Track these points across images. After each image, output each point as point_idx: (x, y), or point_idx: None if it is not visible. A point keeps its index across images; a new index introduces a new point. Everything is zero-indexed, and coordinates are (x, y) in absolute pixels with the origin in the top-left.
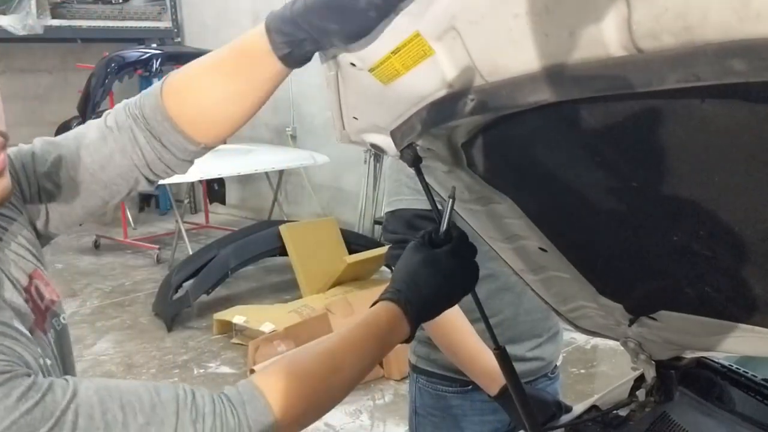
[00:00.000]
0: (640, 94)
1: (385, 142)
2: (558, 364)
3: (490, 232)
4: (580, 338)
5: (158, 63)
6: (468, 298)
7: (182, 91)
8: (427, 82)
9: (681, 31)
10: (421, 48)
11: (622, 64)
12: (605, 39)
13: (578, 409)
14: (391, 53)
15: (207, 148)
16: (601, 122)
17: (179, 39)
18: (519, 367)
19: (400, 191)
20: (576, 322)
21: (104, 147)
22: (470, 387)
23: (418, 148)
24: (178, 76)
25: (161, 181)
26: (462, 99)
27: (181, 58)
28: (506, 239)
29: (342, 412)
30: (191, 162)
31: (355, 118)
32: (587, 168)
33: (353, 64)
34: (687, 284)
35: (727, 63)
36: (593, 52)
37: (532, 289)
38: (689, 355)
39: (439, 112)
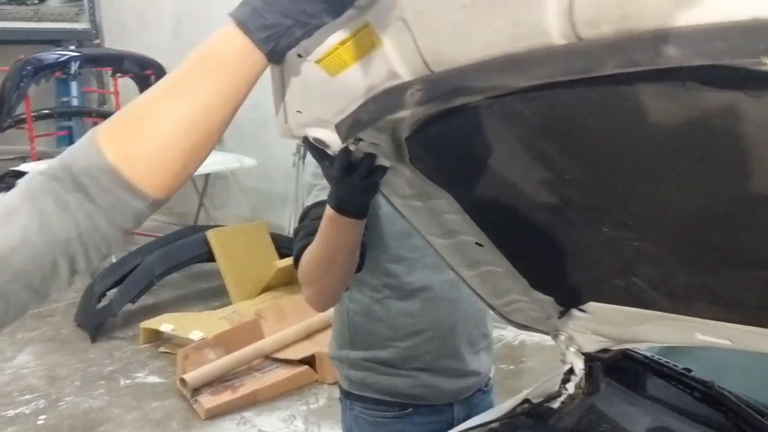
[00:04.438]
0: (576, 85)
1: (329, 136)
2: (491, 375)
3: (429, 228)
4: (508, 335)
5: (77, 65)
6: (404, 311)
7: (128, 128)
8: (374, 73)
9: (619, 19)
10: (369, 39)
11: (564, 52)
12: (548, 28)
13: (510, 403)
14: (339, 44)
15: (156, 205)
16: (537, 116)
17: (98, 41)
18: (458, 384)
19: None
20: (509, 316)
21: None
22: (410, 409)
23: (362, 142)
24: (120, 112)
25: None
26: (409, 89)
27: (101, 60)
28: (444, 235)
29: (276, 417)
30: (130, 231)
31: (298, 111)
32: (524, 162)
33: (300, 56)
34: (615, 275)
35: (662, 49)
36: (536, 41)
37: (468, 285)
38: (615, 347)
39: (386, 102)
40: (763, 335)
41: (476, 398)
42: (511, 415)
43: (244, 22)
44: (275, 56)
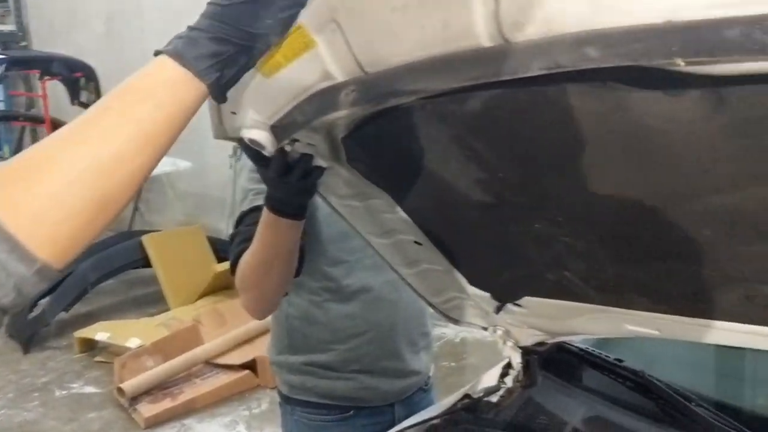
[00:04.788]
0: (505, 86)
1: (265, 137)
2: (431, 374)
3: (368, 228)
4: (449, 332)
5: (3, 68)
6: (344, 313)
7: (22, 172)
8: (308, 74)
9: (542, 21)
10: (303, 40)
11: (492, 54)
12: (475, 30)
13: (451, 399)
14: (273, 45)
15: (44, 274)
16: (469, 116)
17: (25, 43)
18: (399, 384)
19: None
20: (449, 314)
21: None
22: (351, 412)
23: (298, 143)
24: (21, 153)
25: None
26: (343, 90)
27: (28, 62)
28: (383, 234)
29: (217, 424)
30: (7, 309)
31: (233, 112)
32: (458, 161)
33: None
34: (548, 270)
35: (583, 50)
36: (465, 43)
37: (408, 284)
38: (550, 340)
39: (321, 103)
40: (688, 324)
41: (417, 397)
42: (452, 411)
43: (180, 52)
44: (220, 89)
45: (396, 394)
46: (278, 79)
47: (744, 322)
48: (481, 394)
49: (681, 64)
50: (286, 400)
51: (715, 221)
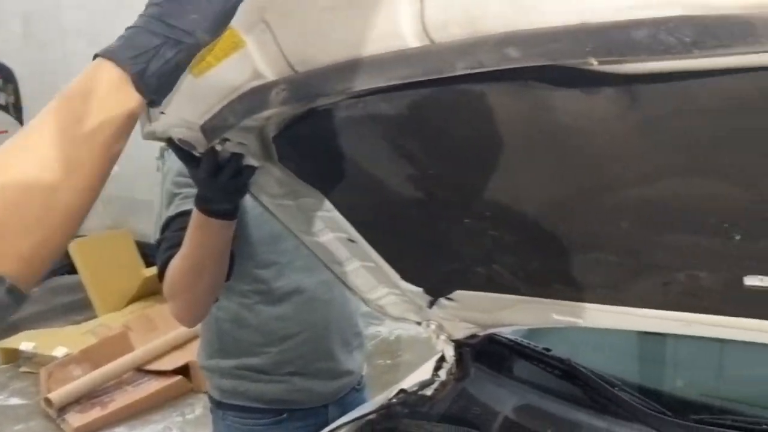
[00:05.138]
0: (432, 85)
1: (195, 137)
2: (363, 374)
3: (301, 227)
4: (384, 330)
5: None
6: (276, 315)
7: None
8: (238, 73)
9: (466, 22)
10: (233, 40)
11: (418, 54)
12: (401, 31)
13: (387, 395)
14: (205, 44)
15: (17, 296)
16: (398, 114)
17: None
18: (332, 385)
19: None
20: (383, 310)
21: None
22: (285, 415)
23: (229, 142)
24: None
25: None
26: (273, 89)
27: None
28: (316, 233)
29: (150, 430)
30: None
31: (162, 113)
32: (389, 158)
33: None
34: (478, 264)
35: (505, 51)
36: (392, 44)
37: (342, 282)
38: (482, 332)
39: (251, 102)
40: (610, 312)
41: (350, 397)
42: (387, 405)
43: (113, 52)
44: (145, 82)
45: (330, 395)
46: (208, 78)
47: (662, 309)
48: (416, 388)
49: (594, 64)
50: (217, 405)
51: (632, 213)
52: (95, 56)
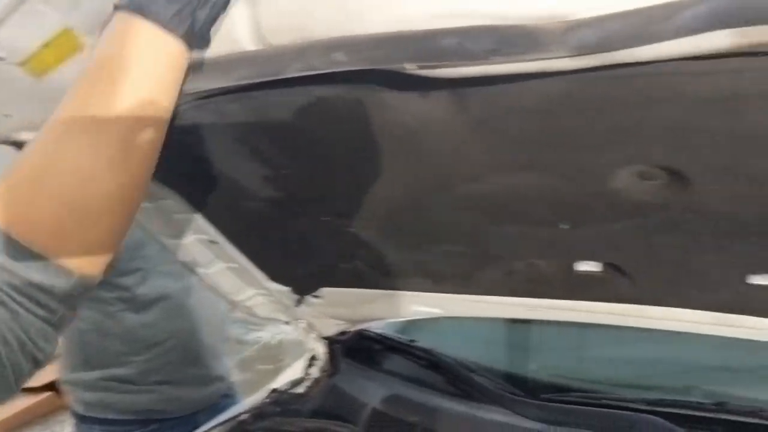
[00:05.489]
0: (278, 86)
1: None
2: (234, 380)
3: (161, 230)
4: (266, 335)
5: None
6: (141, 323)
7: (29, 192)
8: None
9: (298, 27)
10: (72, 43)
11: (254, 56)
12: (239, 34)
13: (259, 395)
14: (43, 47)
15: (85, 285)
16: (248, 115)
17: None
18: (202, 392)
19: None
20: (252, 311)
21: None
22: (154, 425)
23: None
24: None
25: None
26: None
27: None
28: (177, 235)
29: None
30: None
31: (6, 115)
32: (243, 159)
33: (1, 58)
34: (340, 260)
35: (333, 55)
36: (232, 46)
37: (208, 285)
38: (351, 328)
39: None
40: (466, 301)
41: (222, 403)
42: (259, 405)
43: (141, 7)
44: (195, 37)
45: (199, 403)
46: (50, 80)
47: (509, 295)
48: (288, 387)
49: (414, 68)
50: (81, 420)
51: (472, 207)
52: (116, 7)
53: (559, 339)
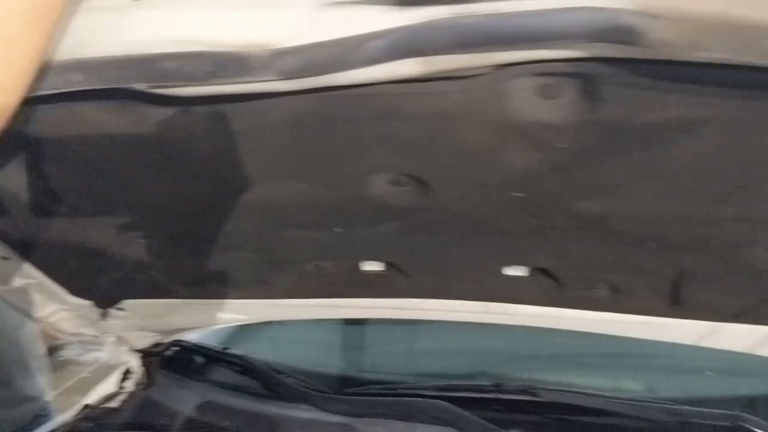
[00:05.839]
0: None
1: None
2: (50, 399)
3: None
4: (104, 356)
5: None
6: None
7: None
8: None
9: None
10: None
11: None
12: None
13: (71, 412)
14: None
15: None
16: (23, 129)
17: None
18: (11, 413)
19: None
20: (56, 326)
21: None
22: None
23: None
24: None
25: None
26: None
27: None
28: None
29: None
30: None
31: None
32: (22, 173)
33: None
34: (135, 271)
35: (68, 75)
36: None
37: (6, 302)
38: (165, 339)
39: None
40: (267, 306)
41: (33, 425)
42: (71, 422)
43: None
44: None
45: (9, 424)
46: None
47: (307, 297)
48: (100, 402)
49: (144, 87)
50: None
51: (254, 214)
52: None
53: (390, 337)
